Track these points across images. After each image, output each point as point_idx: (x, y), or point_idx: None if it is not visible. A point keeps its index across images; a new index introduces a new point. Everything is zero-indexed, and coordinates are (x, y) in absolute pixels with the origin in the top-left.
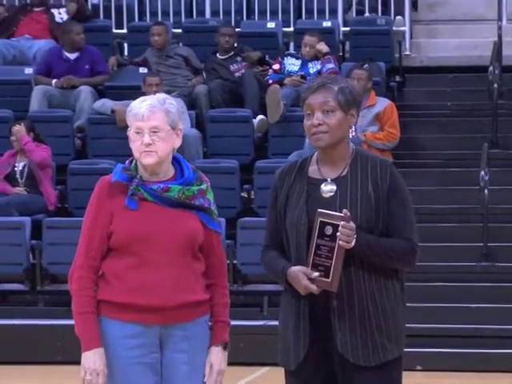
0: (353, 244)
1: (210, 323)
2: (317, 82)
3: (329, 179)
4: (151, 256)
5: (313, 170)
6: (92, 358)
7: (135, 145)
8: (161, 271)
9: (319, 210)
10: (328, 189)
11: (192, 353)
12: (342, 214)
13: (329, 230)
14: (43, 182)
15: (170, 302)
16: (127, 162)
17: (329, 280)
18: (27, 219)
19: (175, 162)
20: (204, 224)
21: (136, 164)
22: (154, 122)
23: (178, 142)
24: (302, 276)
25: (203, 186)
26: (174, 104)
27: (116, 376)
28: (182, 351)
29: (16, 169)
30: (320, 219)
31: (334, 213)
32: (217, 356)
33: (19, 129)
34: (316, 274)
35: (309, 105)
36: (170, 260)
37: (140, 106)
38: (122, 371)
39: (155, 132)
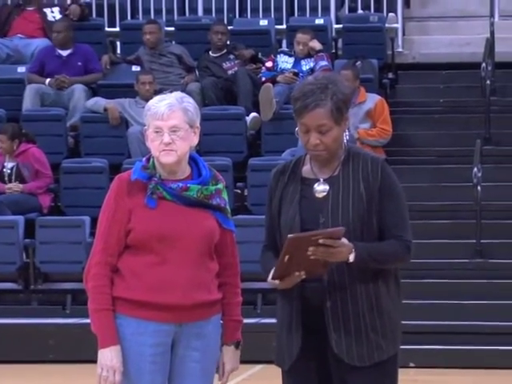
0: (352, 258)
1: (221, 322)
2: (311, 100)
3: (321, 179)
4: (169, 254)
5: (306, 170)
6: (109, 355)
7: (154, 144)
8: (178, 270)
9: (289, 236)
10: (321, 189)
11: (204, 351)
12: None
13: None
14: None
15: (186, 301)
16: (144, 160)
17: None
18: (20, 218)
19: (191, 160)
20: (219, 223)
21: (153, 162)
22: (174, 121)
23: (195, 140)
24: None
25: (220, 186)
26: (192, 102)
27: (130, 373)
28: (195, 349)
29: (4, 170)
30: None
31: (309, 233)
32: (229, 355)
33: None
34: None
35: (304, 124)
36: (187, 259)
37: (159, 105)
38: (136, 368)
39: (174, 131)
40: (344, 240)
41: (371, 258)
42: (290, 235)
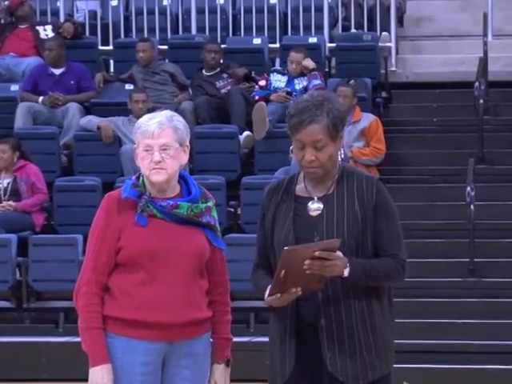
0: (346, 273)
1: (211, 339)
2: (306, 116)
3: (315, 198)
4: (160, 272)
5: (300, 188)
6: (100, 374)
7: (144, 162)
8: (169, 288)
9: (285, 248)
10: (315, 207)
11: (195, 369)
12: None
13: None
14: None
15: (177, 319)
16: (134, 178)
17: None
18: (13, 236)
19: (180, 178)
20: (210, 241)
21: (143, 180)
22: (164, 140)
23: (185, 159)
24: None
25: (209, 204)
26: (182, 121)
27: None
28: (185, 367)
29: (0, 185)
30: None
31: (305, 245)
32: (220, 373)
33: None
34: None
35: (300, 140)
36: (178, 277)
37: (149, 124)
38: None
39: (164, 149)
40: (339, 253)
41: (365, 273)
42: (285, 248)
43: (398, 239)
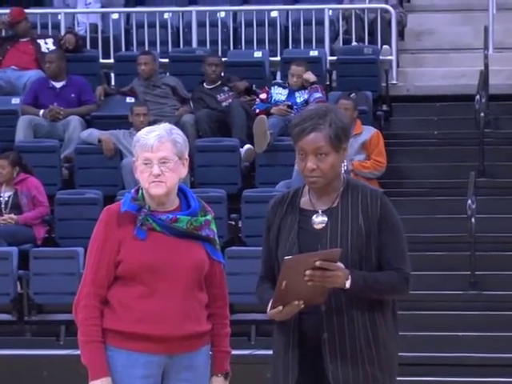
0: (348, 285)
1: (210, 353)
2: (309, 124)
3: (320, 211)
4: (159, 286)
5: (304, 201)
6: None
7: (143, 176)
8: (168, 301)
9: (285, 258)
10: (319, 220)
11: (194, 382)
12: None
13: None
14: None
15: (177, 333)
16: (133, 191)
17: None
18: (14, 249)
19: (179, 191)
20: (209, 254)
21: (143, 194)
22: (163, 153)
23: (184, 172)
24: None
25: (208, 217)
26: (181, 134)
27: None
28: (185, 380)
29: (1, 198)
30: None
31: (305, 254)
32: None
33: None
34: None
35: (302, 148)
36: (177, 290)
37: (148, 137)
38: None
39: (164, 163)
40: (340, 264)
41: (367, 286)
42: (286, 257)
43: (403, 253)
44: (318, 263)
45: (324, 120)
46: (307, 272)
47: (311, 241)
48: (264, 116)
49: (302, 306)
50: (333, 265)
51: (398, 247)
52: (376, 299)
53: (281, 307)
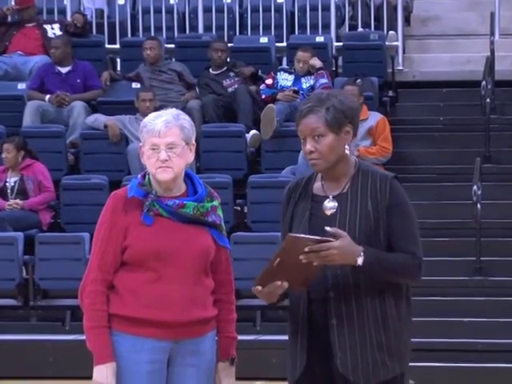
0: (360, 262)
1: (216, 338)
2: (306, 106)
3: (331, 196)
4: (165, 271)
5: (317, 187)
6: (105, 373)
7: (150, 161)
8: (175, 287)
9: (289, 234)
10: (330, 206)
11: (200, 368)
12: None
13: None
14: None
15: (183, 318)
16: (140, 176)
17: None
18: (20, 235)
19: (186, 177)
20: (215, 240)
21: (149, 179)
22: (170, 138)
23: (191, 157)
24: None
25: (215, 203)
26: (188, 119)
27: None
28: (191, 366)
29: (7, 184)
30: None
31: (306, 236)
32: (225, 372)
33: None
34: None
35: (301, 131)
36: (184, 276)
37: (155, 123)
38: None
39: (171, 148)
40: (341, 242)
41: (379, 265)
42: (289, 234)
43: (414, 237)
44: (306, 249)
45: (321, 102)
46: (305, 249)
47: (321, 227)
48: (273, 105)
49: (286, 288)
50: (324, 245)
51: (408, 232)
52: (387, 285)
53: (260, 287)
